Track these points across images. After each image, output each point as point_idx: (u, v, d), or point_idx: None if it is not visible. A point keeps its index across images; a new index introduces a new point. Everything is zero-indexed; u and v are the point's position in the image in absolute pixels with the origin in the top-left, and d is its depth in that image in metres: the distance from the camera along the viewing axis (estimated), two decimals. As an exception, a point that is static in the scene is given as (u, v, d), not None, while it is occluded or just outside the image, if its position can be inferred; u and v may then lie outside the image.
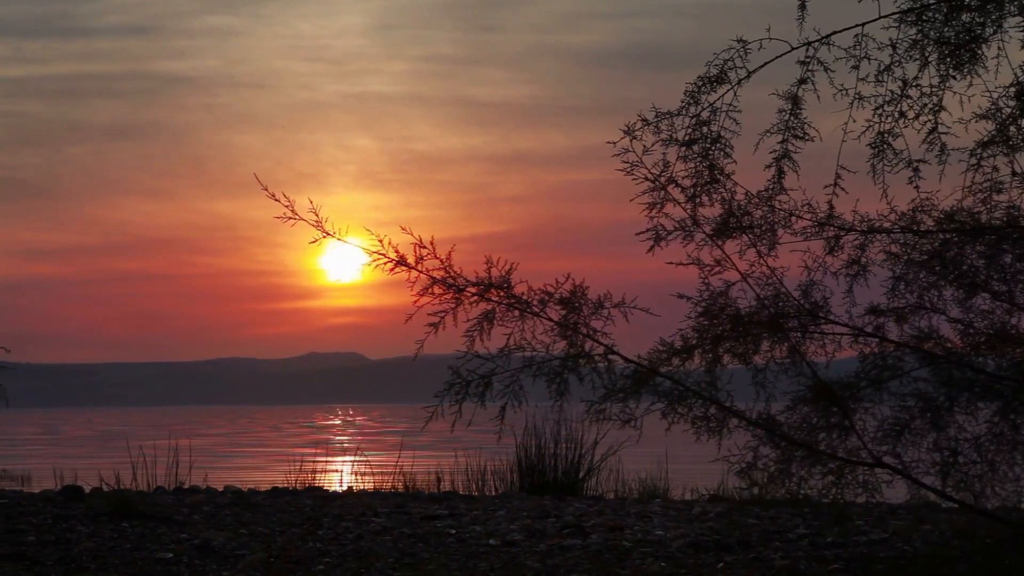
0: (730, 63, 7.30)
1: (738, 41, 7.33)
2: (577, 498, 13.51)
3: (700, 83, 7.28)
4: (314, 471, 15.65)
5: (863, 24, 7.35)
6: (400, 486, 14.75)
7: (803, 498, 7.73)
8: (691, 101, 7.31)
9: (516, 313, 6.88)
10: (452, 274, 7.00)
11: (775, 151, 7.44)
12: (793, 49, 7.30)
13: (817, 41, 7.33)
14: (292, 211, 7.07)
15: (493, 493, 14.41)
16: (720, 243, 7.42)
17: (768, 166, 7.47)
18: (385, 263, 7.06)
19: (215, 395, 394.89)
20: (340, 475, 16.60)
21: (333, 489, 14.64)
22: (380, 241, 7.05)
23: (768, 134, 7.40)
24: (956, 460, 7.76)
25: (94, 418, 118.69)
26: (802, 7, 7.46)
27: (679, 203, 7.29)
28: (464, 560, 8.84)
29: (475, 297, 6.87)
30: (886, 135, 7.39)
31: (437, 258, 7.05)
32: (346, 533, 10.05)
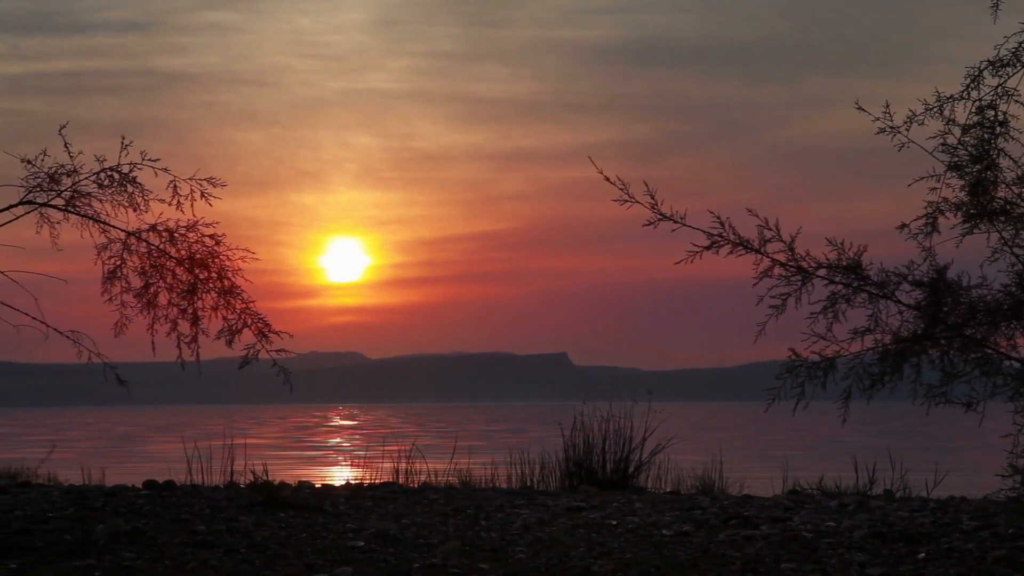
0: (1023, 47, 7.20)
1: None
2: (670, 493, 13.40)
3: (984, 66, 7.18)
4: (368, 467, 15.43)
5: None
6: (457, 481, 14.66)
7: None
8: (972, 85, 7.23)
9: (864, 296, 6.80)
10: (795, 256, 6.89)
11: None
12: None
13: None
14: (628, 195, 6.97)
15: (545, 488, 14.26)
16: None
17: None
18: (724, 245, 6.92)
19: (215, 395, 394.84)
20: (396, 471, 16.40)
21: (407, 484, 14.44)
22: (721, 223, 6.95)
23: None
24: None
25: (98, 418, 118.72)
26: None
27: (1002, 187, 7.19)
28: (654, 549, 8.78)
29: (824, 280, 6.77)
30: None
31: (782, 241, 6.95)
32: (508, 524, 9.98)
